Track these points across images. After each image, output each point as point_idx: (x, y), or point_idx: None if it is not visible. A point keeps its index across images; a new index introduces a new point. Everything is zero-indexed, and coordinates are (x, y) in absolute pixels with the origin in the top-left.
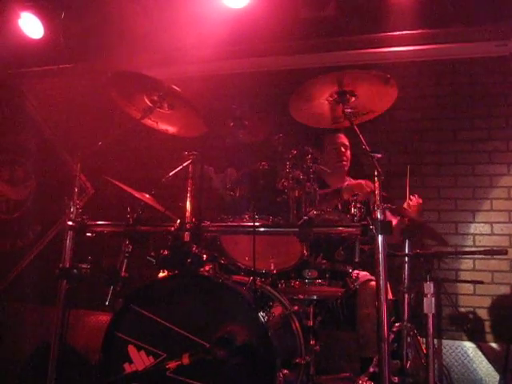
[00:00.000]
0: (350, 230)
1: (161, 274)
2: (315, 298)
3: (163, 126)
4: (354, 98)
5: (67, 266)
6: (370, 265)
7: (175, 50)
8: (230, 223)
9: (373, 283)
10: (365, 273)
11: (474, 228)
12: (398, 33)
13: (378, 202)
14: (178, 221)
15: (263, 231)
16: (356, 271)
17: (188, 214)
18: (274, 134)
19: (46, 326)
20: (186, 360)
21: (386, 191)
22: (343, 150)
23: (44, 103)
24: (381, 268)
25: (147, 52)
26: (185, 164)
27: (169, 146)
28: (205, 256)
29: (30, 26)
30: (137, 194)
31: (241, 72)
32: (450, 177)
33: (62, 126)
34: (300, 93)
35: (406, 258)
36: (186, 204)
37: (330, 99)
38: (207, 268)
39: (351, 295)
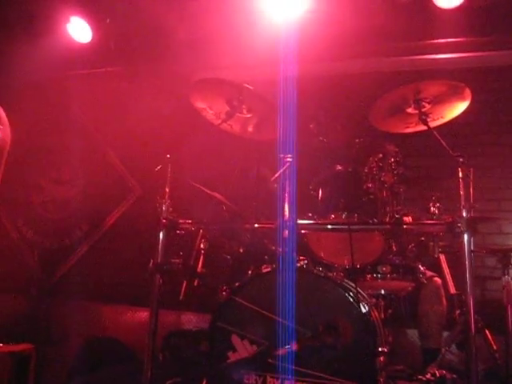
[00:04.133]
0: (438, 227)
1: (264, 269)
2: (382, 292)
3: (239, 129)
4: (429, 106)
5: (160, 261)
6: (430, 262)
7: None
8: (323, 221)
9: (436, 279)
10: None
11: None
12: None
13: (463, 202)
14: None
15: (357, 228)
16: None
17: (286, 212)
18: (355, 138)
19: (92, 322)
20: (295, 346)
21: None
22: None
23: (91, 105)
24: (467, 263)
25: (203, 56)
26: (285, 167)
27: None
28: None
29: (79, 29)
30: (218, 196)
31: (315, 75)
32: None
33: (108, 127)
34: (379, 103)
35: (472, 255)
36: (284, 204)
37: (405, 106)
38: (301, 263)
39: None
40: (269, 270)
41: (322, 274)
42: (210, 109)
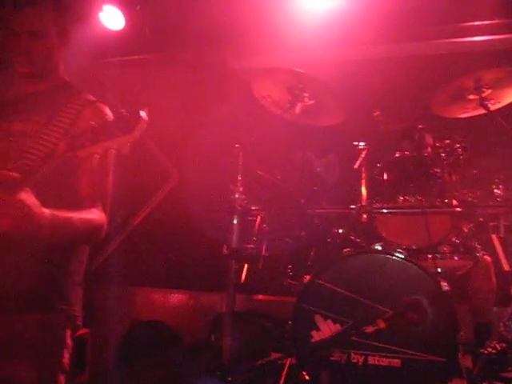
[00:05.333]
0: (507, 208)
1: (345, 251)
2: (439, 270)
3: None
4: (488, 91)
5: (235, 247)
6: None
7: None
8: (394, 205)
9: (486, 257)
10: None
11: None
12: None
13: None
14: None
15: (431, 211)
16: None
17: (364, 197)
18: (416, 124)
19: (134, 306)
20: (382, 324)
21: None
22: None
23: (124, 93)
24: None
25: (241, 41)
26: (363, 155)
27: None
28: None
29: (111, 17)
30: (278, 181)
31: (379, 58)
32: None
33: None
34: (442, 90)
35: None
36: (361, 189)
37: (467, 93)
38: (377, 245)
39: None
40: (350, 252)
41: (402, 256)
42: (271, 98)
